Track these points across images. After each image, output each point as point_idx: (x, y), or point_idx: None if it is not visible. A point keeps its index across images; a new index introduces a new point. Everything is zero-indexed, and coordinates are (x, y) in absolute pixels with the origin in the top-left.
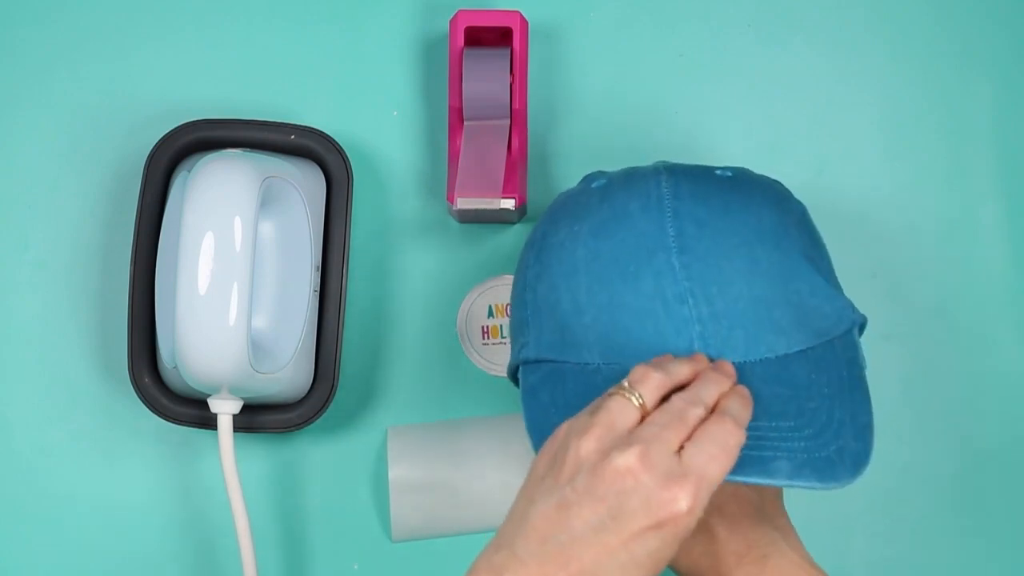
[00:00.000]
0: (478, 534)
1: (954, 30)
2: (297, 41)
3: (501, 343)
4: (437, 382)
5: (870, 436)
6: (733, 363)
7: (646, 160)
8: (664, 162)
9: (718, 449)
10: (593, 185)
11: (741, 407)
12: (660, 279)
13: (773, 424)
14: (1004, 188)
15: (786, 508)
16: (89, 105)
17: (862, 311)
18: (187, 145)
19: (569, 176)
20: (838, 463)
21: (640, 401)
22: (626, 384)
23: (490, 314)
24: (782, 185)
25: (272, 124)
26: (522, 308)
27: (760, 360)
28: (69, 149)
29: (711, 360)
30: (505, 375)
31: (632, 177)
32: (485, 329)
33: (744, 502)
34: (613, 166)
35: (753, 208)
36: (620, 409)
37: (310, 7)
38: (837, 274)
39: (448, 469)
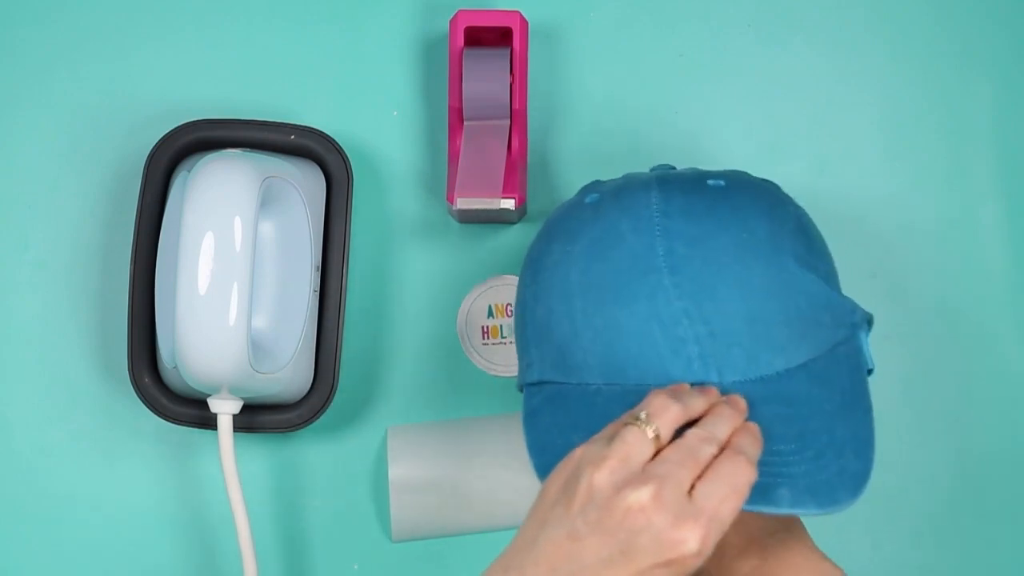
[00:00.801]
0: (478, 534)
1: (954, 30)
2: (297, 41)
3: (501, 343)
4: (437, 382)
5: (871, 453)
6: (733, 382)
7: (647, 161)
8: (661, 169)
9: (730, 489)
10: (587, 200)
11: (752, 445)
12: (654, 300)
13: (774, 448)
14: (1004, 188)
15: None
16: (89, 105)
17: None
18: (187, 145)
19: (570, 176)
20: (838, 485)
21: (656, 434)
22: (643, 415)
23: (490, 314)
24: (778, 188)
25: (272, 124)
26: (522, 328)
27: (760, 378)
28: (69, 149)
29: (722, 392)
30: (505, 375)
31: (624, 191)
32: (485, 329)
33: None
34: (613, 166)
35: (745, 220)
36: (636, 441)
37: (310, 7)
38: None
39: (448, 469)
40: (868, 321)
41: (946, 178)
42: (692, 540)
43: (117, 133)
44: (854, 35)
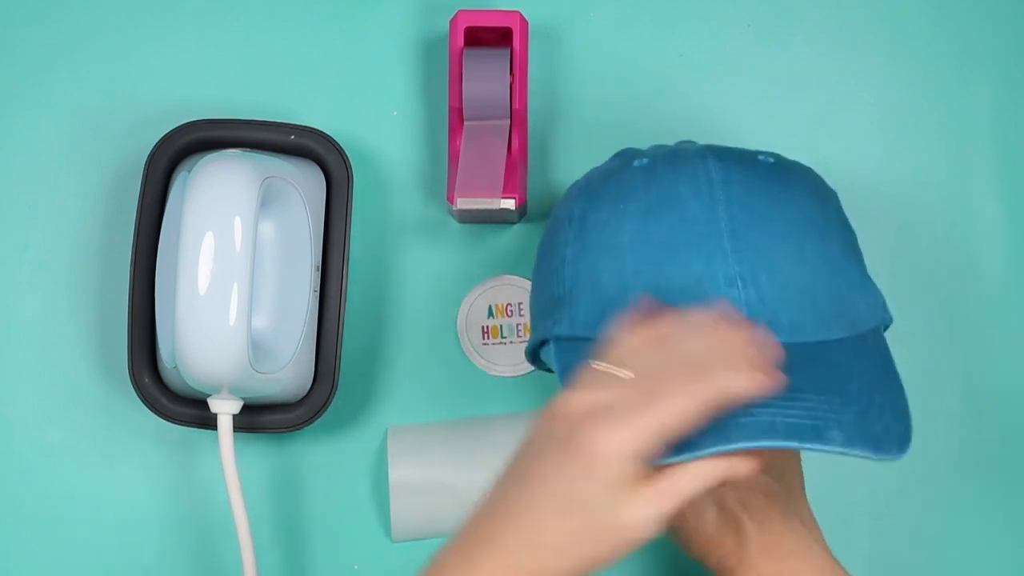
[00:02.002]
0: None
1: (954, 30)
2: (297, 41)
3: (501, 343)
4: (437, 382)
5: (909, 420)
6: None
7: None
8: (705, 144)
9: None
10: (635, 163)
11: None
12: (712, 262)
13: (823, 398)
14: (1004, 188)
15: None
16: (89, 105)
17: None
18: (187, 145)
19: (570, 176)
20: (884, 439)
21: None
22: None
23: (490, 314)
24: (815, 172)
25: (272, 124)
26: (557, 285)
27: (803, 343)
28: (69, 149)
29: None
30: (505, 375)
31: (677, 158)
32: (485, 329)
33: (773, 498)
34: None
35: (797, 198)
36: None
37: (310, 7)
38: None
39: (448, 469)
40: (886, 324)
41: (946, 178)
42: (603, 438)
43: (117, 133)
44: (854, 35)
